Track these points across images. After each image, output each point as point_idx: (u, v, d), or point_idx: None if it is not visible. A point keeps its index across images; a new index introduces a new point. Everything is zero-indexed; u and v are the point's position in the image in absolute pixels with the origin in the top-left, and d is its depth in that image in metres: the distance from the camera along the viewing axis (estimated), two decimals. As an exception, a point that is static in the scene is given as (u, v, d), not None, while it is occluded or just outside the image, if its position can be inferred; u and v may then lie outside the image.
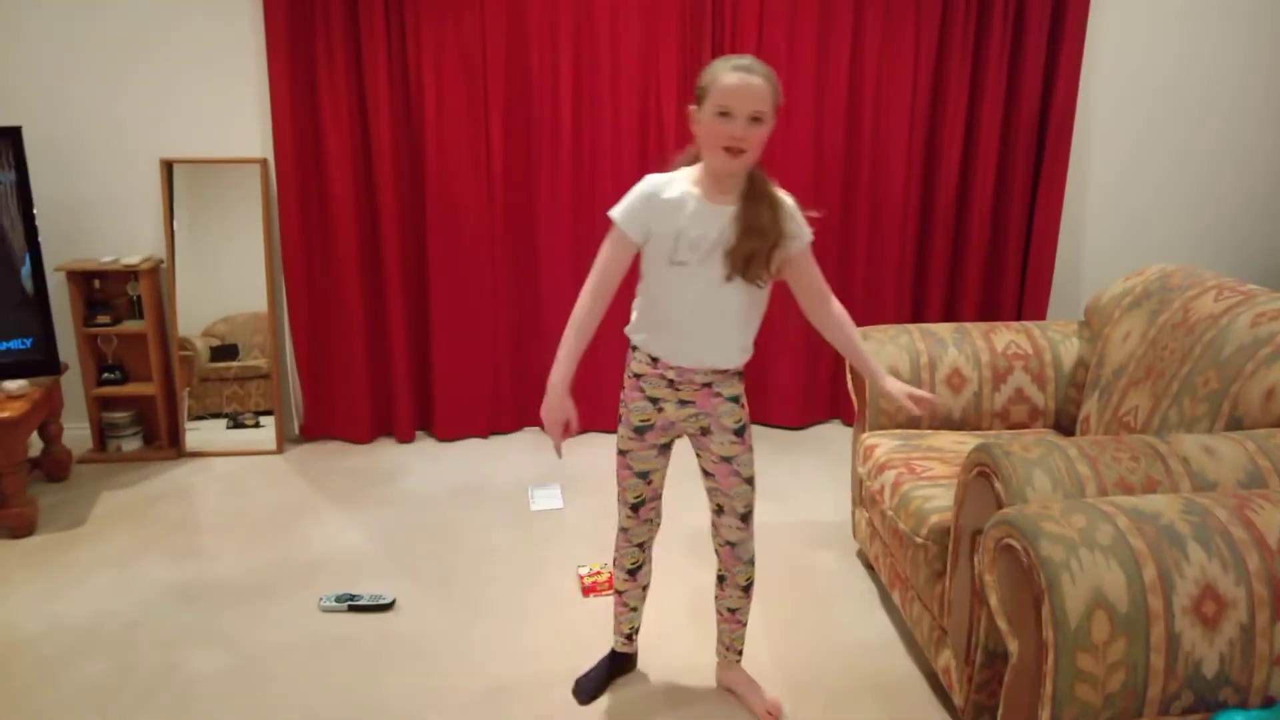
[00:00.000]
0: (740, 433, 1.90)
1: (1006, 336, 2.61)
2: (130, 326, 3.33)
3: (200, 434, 3.49)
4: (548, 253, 3.50)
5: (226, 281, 3.46)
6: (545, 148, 3.39)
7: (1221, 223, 3.76)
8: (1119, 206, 3.73)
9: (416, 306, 3.53)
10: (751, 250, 1.72)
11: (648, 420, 1.90)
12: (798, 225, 1.79)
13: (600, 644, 2.26)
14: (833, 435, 3.70)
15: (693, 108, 1.72)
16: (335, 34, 3.18)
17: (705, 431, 1.90)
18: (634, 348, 1.90)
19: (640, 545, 2.07)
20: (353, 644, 2.32)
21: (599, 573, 2.61)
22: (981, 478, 1.75)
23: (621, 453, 1.97)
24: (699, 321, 1.79)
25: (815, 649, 2.30)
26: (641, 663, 2.24)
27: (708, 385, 1.85)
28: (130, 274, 3.31)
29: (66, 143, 3.29)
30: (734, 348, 1.84)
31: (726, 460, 1.91)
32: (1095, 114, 3.60)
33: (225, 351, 3.50)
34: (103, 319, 3.31)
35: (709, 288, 1.75)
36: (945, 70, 3.43)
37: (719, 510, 1.98)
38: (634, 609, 2.15)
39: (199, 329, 3.46)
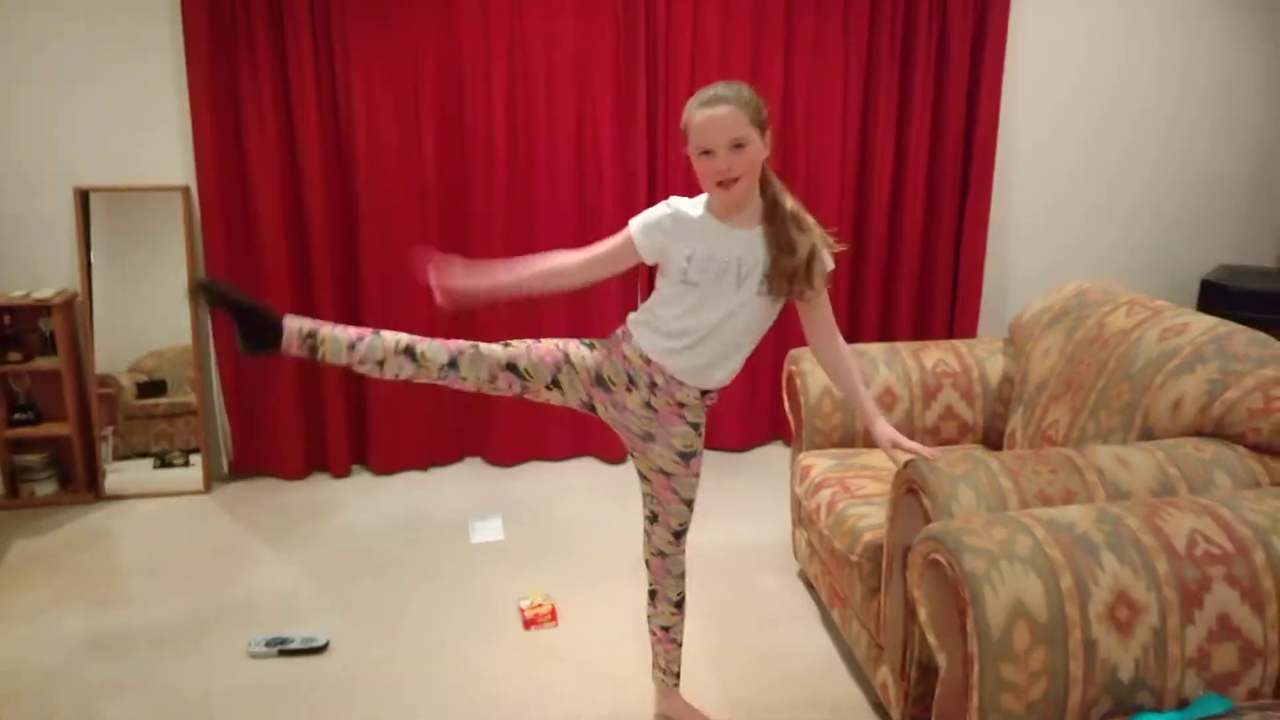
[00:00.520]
0: (687, 457, 1.91)
1: (935, 355, 2.67)
2: (43, 363, 3.20)
3: (122, 475, 3.36)
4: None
5: (151, 314, 3.35)
6: (480, 170, 3.38)
7: (1136, 239, 3.92)
8: (1043, 226, 3.86)
9: (349, 337, 3.47)
10: (793, 266, 1.74)
11: (611, 380, 1.88)
12: (828, 255, 1.80)
13: (542, 680, 2.24)
14: (773, 456, 3.73)
15: (686, 152, 1.75)
16: (259, 54, 3.12)
17: (648, 438, 1.89)
18: (629, 334, 1.87)
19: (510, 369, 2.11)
20: (284, 690, 2.24)
21: (540, 605, 2.57)
22: (910, 494, 1.78)
23: (563, 353, 1.98)
24: (701, 342, 1.79)
25: (758, 670, 2.30)
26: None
27: (681, 405, 1.85)
28: (43, 308, 3.19)
29: (-32, 170, 3.17)
30: (725, 371, 1.84)
31: (666, 474, 1.91)
32: (1018, 135, 3.73)
33: (153, 387, 3.39)
34: (13, 356, 3.18)
35: (724, 310, 1.77)
36: (873, 93, 3.52)
37: (653, 518, 1.98)
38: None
39: (125, 364, 3.35)
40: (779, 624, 2.52)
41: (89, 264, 3.26)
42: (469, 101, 3.32)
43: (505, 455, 3.63)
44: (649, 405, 1.85)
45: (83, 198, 3.23)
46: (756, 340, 1.86)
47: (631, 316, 1.90)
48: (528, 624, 2.52)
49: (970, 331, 3.74)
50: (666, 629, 2.05)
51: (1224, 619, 1.36)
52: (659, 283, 1.85)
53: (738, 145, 1.67)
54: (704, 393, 1.86)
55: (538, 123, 3.36)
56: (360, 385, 3.51)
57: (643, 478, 1.96)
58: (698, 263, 1.75)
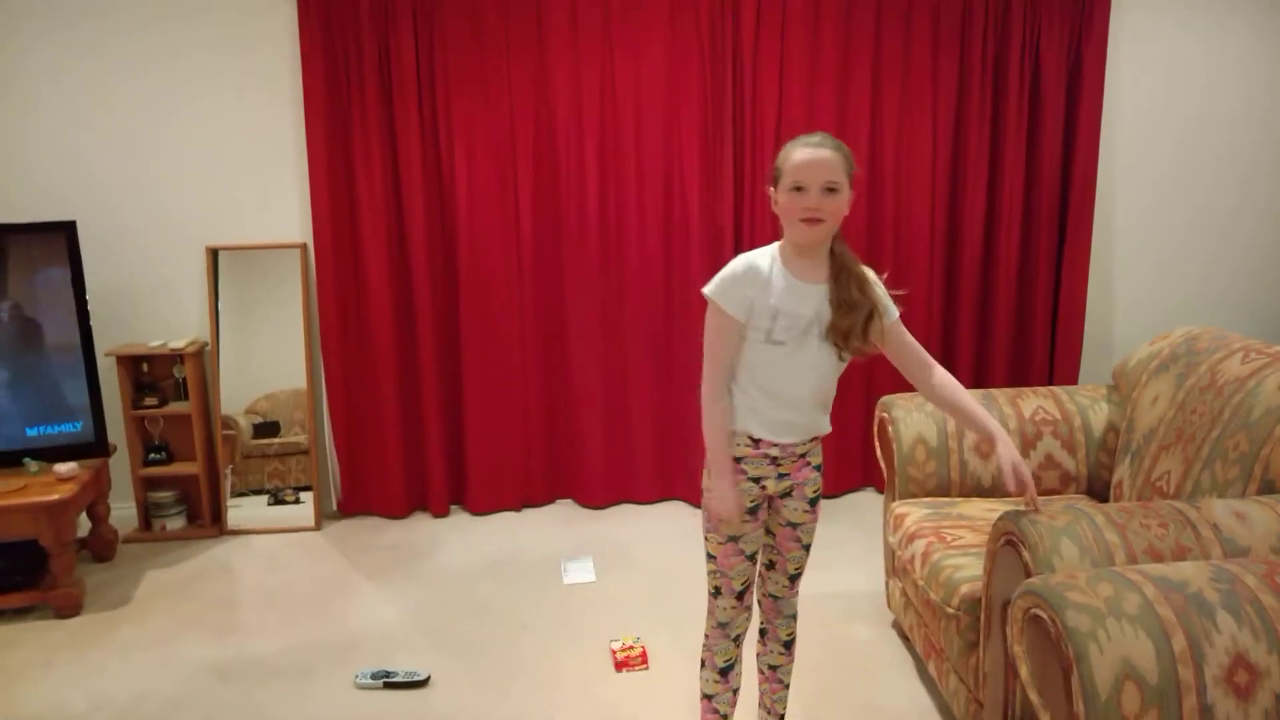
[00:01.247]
0: (814, 503, 1.95)
1: (1034, 402, 2.62)
2: (176, 408, 3.45)
3: (241, 511, 3.57)
4: (576, 327, 3.58)
5: (268, 360, 3.58)
6: (572, 225, 3.50)
7: (1248, 283, 3.75)
8: (1149, 270, 3.74)
9: (450, 382, 3.62)
10: (849, 325, 1.78)
11: (756, 500, 1.90)
12: (887, 299, 1.85)
13: (634, 718, 2.25)
14: (865, 503, 3.68)
15: (770, 189, 1.81)
16: (370, 124, 3.35)
17: (787, 494, 1.92)
18: (734, 433, 1.87)
19: (736, 639, 1.99)
20: (388, 721, 2.33)
21: (631, 647, 2.60)
22: (1009, 546, 1.75)
23: (733, 539, 1.90)
24: (802, 397, 1.83)
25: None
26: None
27: (803, 456, 1.90)
28: (176, 357, 3.44)
29: (117, 233, 3.47)
30: (823, 416, 1.90)
31: (792, 525, 1.95)
32: (1118, 177, 3.64)
33: (267, 428, 3.60)
34: (150, 401, 3.44)
35: (807, 364, 1.80)
36: (964, 137, 3.51)
37: (770, 565, 2.01)
38: (725, 716, 2.03)
39: (242, 406, 3.57)
40: (873, 675, 2.48)
41: (217, 315, 3.51)
42: (562, 167, 3.47)
43: (595, 498, 3.70)
44: (782, 476, 1.89)
45: (213, 256, 3.49)
46: (835, 384, 1.90)
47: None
48: (619, 666, 2.55)
49: (1071, 380, 3.63)
50: (774, 669, 2.07)
51: (1353, 686, 1.29)
52: (743, 354, 1.83)
53: (830, 189, 1.72)
54: (815, 438, 1.91)
55: (627, 184, 3.48)
56: (459, 429, 3.64)
57: (768, 531, 1.98)
58: (784, 320, 1.78)
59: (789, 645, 2.06)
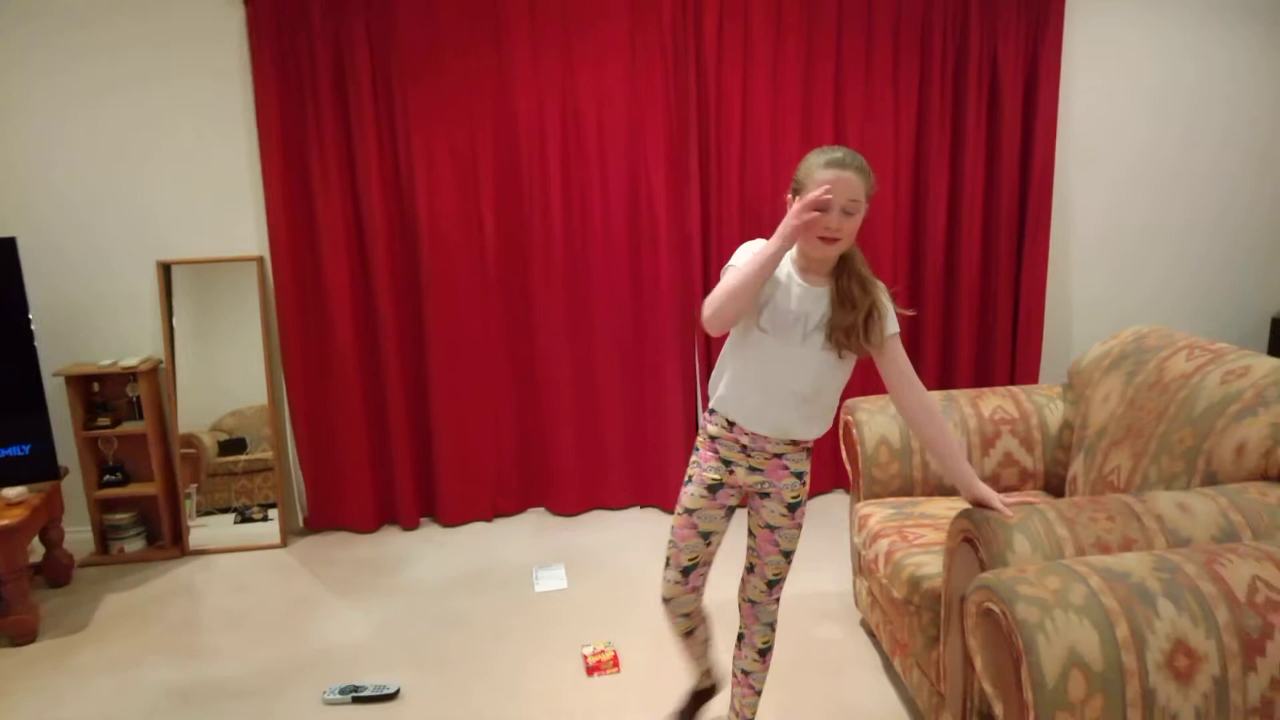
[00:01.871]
0: (793, 509, 1.98)
1: (994, 402, 2.67)
2: (130, 427, 3.39)
3: (204, 531, 3.52)
4: (544, 336, 3.59)
5: (230, 375, 3.54)
6: (537, 232, 3.51)
7: (1205, 282, 3.85)
8: (1106, 272, 3.83)
9: (416, 394, 3.61)
10: (850, 322, 1.83)
11: (718, 480, 1.98)
12: (890, 313, 1.87)
13: (603, 727, 2.27)
14: (836, 505, 3.73)
15: (789, 196, 1.85)
16: (326, 131, 3.32)
17: (764, 495, 1.98)
18: (712, 410, 1.99)
19: (686, 615, 2.09)
20: (356, 737, 2.32)
21: (603, 652, 2.62)
22: (966, 544, 1.79)
23: (689, 511, 2.00)
24: (778, 392, 1.88)
25: (822, 719, 2.30)
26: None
27: (779, 456, 1.94)
28: (129, 375, 3.39)
29: (62, 248, 3.41)
30: (805, 421, 1.91)
31: (771, 529, 1.99)
32: (1074, 181, 3.72)
33: (233, 445, 3.56)
34: (103, 421, 3.38)
35: (787, 359, 1.86)
36: (925, 143, 3.57)
37: (750, 569, 2.05)
38: (701, 655, 2.22)
39: (207, 424, 3.53)
40: (842, 673, 2.51)
41: (172, 332, 3.47)
42: (525, 168, 3.46)
43: (567, 505, 3.70)
44: (753, 469, 1.95)
45: (165, 270, 3.45)
46: (833, 394, 1.93)
47: (710, 391, 2.01)
48: (591, 671, 2.55)
49: (1032, 379, 3.70)
50: (747, 673, 2.10)
51: (1289, 668, 1.34)
52: (739, 336, 1.92)
53: (849, 210, 1.77)
54: (794, 441, 1.94)
55: (592, 189, 3.49)
56: (427, 441, 3.63)
57: (750, 533, 2.04)
58: (771, 310, 1.85)
59: (764, 654, 2.08)
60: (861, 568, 2.59)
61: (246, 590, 3.17)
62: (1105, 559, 1.49)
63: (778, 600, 2.05)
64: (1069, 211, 3.74)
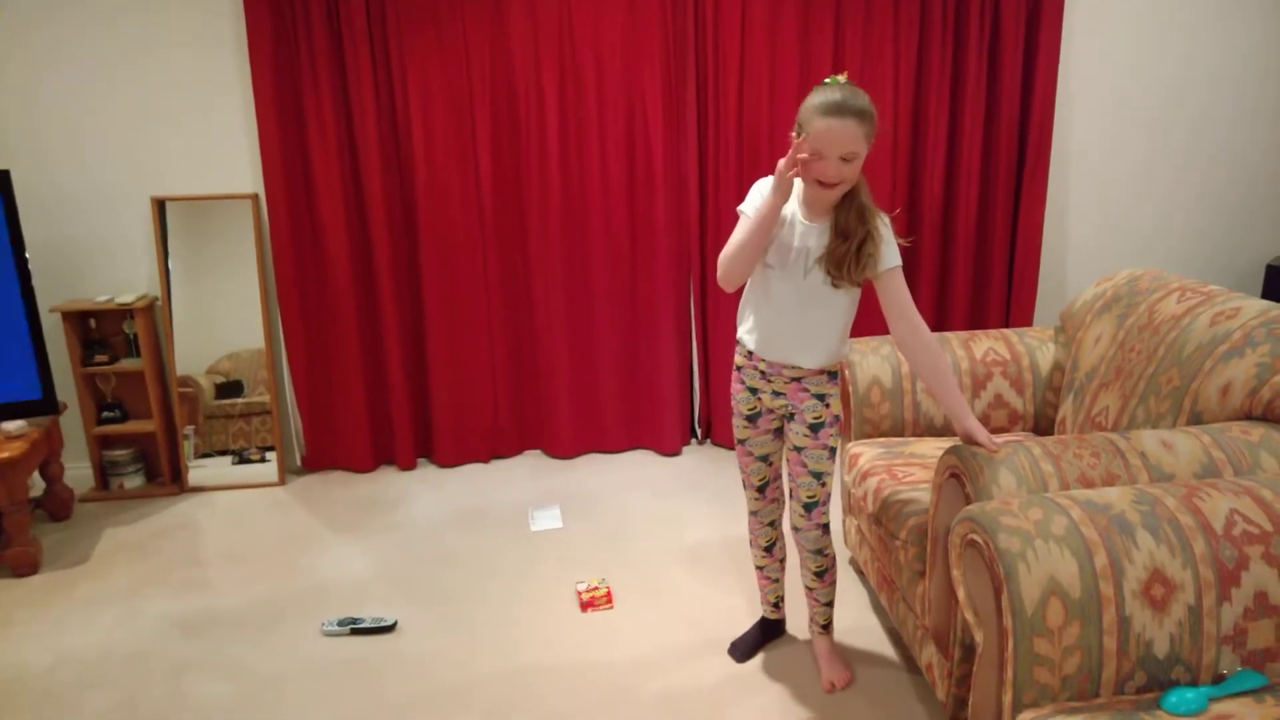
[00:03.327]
0: (816, 429, 2.05)
1: (985, 344, 2.68)
2: (128, 365, 3.41)
3: (203, 470, 3.55)
4: (540, 276, 3.58)
5: (226, 318, 3.53)
6: (534, 170, 3.47)
7: (1200, 226, 3.83)
8: (1103, 216, 3.80)
9: (413, 335, 3.61)
10: (844, 251, 1.87)
11: (755, 408, 2.12)
12: (887, 244, 1.89)
13: (598, 657, 2.34)
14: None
15: (793, 135, 1.83)
16: (320, 68, 3.27)
17: (790, 418, 2.08)
18: (738, 341, 2.11)
19: (771, 523, 2.28)
20: (357, 666, 2.37)
21: (596, 588, 2.67)
22: (953, 479, 1.82)
23: (741, 441, 2.18)
24: (782, 323, 1.99)
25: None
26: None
27: (797, 380, 2.02)
28: (126, 313, 3.39)
29: (56, 184, 3.38)
30: (813, 351, 1.99)
31: (798, 450, 2.07)
32: (1074, 124, 3.68)
33: (230, 388, 3.57)
34: (100, 358, 3.39)
35: (792, 294, 1.94)
36: (925, 87, 3.51)
37: (791, 495, 2.15)
38: (775, 580, 2.36)
39: (203, 366, 3.54)
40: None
41: (167, 270, 3.45)
42: (521, 110, 3.42)
43: (564, 448, 3.73)
44: (776, 394, 2.06)
45: (160, 207, 3.42)
46: (833, 327, 1.98)
47: (738, 322, 2.13)
48: (584, 606, 2.61)
49: (1026, 321, 3.71)
50: (810, 589, 2.25)
51: (1261, 597, 1.37)
52: (755, 272, 2.00)
53: (848, 158, 1.79)
54: (821, 370, 2.01)
55: (589, 128, 3.44)
56: (424, 382, 3.65)
57: (786, 461, 2.16)
58: (777, 246, 1.92)
59: (821, 575, 2.20)
60: (851, 506, 2.63)
61: (245, 526, 3.22)
62: (1087, 492, 1.51)
63: (821, 526, 2.13)
64: (1067, 154, 3.71)
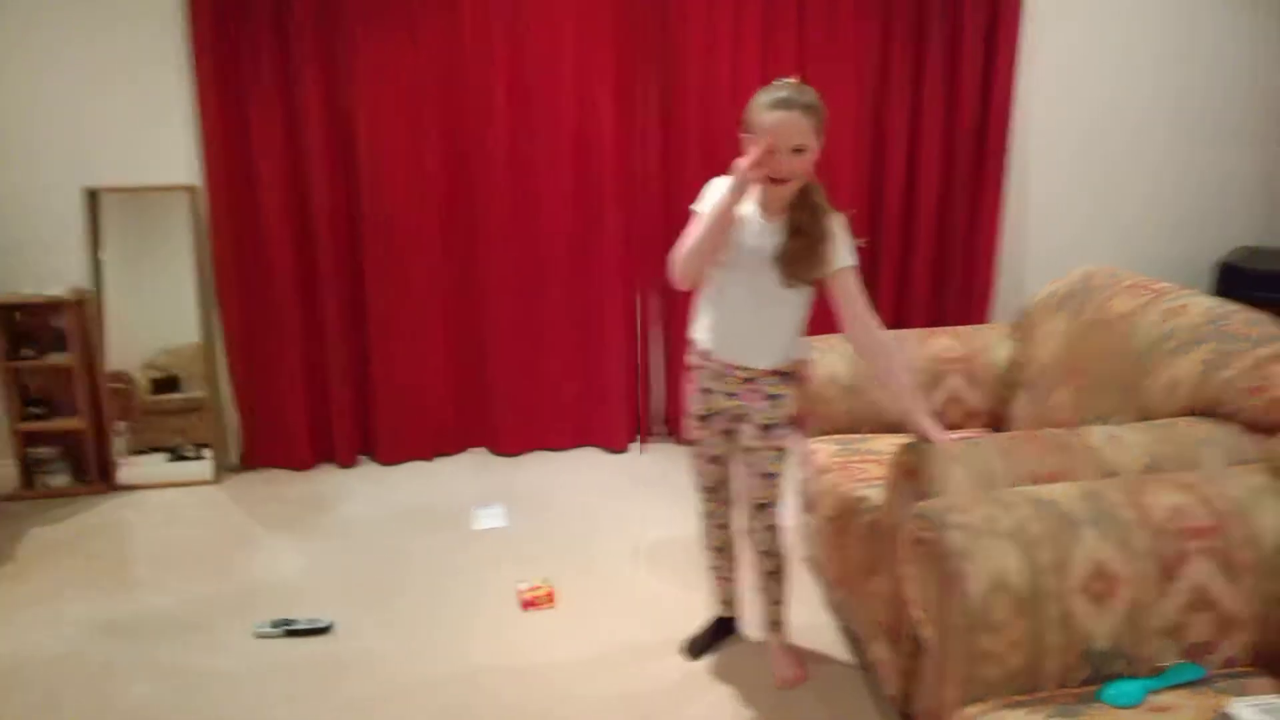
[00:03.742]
0: (767, 429, 2.01)
1: (942, 342, 2.67)
2: (55, 359, 3.26)
3: (136, 468, 3.41)
4: (489, 273, 3.49)
5: (164, 312, 3.40)
6: (483, 165, 3.39)
7: (1153, 224, 3.88)
8: (1059, 214, 3.82)
9: (355, 331, 3.50)
10: (796, 250, 1.85)
11: (708, 409, 2.08)
12: (843, 244, 1.90)
13: (539, 658, 2.29)
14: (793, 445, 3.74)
15: (743, 136, 1.85)
16: (264, 55, 3.15)
17: (742, 419, 2.04)
18: (693, 340, 2.08)
19: (723, 525, 2.26)
20: (291, 668, 2.29)
21: (538, 587, 2.60)
22: (906, 477, 1.79)
23: (694, 442, 2.17)
24: (736, 322, 1.97)
25: (766, 649, 2.31)
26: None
27: (750, 381, 1.99)
28: (54, 306, 3.24)
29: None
30: (766, 351, 1.97)
31: (748, 450, 2.04)
32: (1032, 125, 3.69)
33: (167, 384, 3.44)
34: (26, 352, 3.24)
35: (746, 293, 1.93)
36: (886, 85, 3.49)
37: (742, 496, 2.13)
38: (728, 579, 2.34)
39: (140, 361, 3.40)
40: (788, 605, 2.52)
41: (98, 263, 3.30)
42: (472, 99, 3.32)
43: (509, 446, 3.66)
44: (730, 395, 2.02)
45: (92, 198, 3.28)
46: (786, 327, 1.98)
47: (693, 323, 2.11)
48: (525, 606, 2.55)
49: (985, 319, 3.71)
50: (760, 590, 2.22)
51: (1200, 590, 1.37)
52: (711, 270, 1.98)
53: (798, 150, 1.78)
54: (774, 371, 1.98)
55: (539, 120, 3.36)
56: (366, 378, 3.55)
57: (738, 462, 2.14)
58: (732, 245, 1.89)
59: (771, 575, 2.16)
60: (807, 503, 2.60)
61: (177, 526, 3.10)
62: (1035, 489, 1.49)
63: (771, 528, 2.10)
64: (1026, 154, 3.72)
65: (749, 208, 1.92)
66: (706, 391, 2.06)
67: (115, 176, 3.30)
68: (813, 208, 1.87)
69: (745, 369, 1.98)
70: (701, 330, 2.04)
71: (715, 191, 1.91)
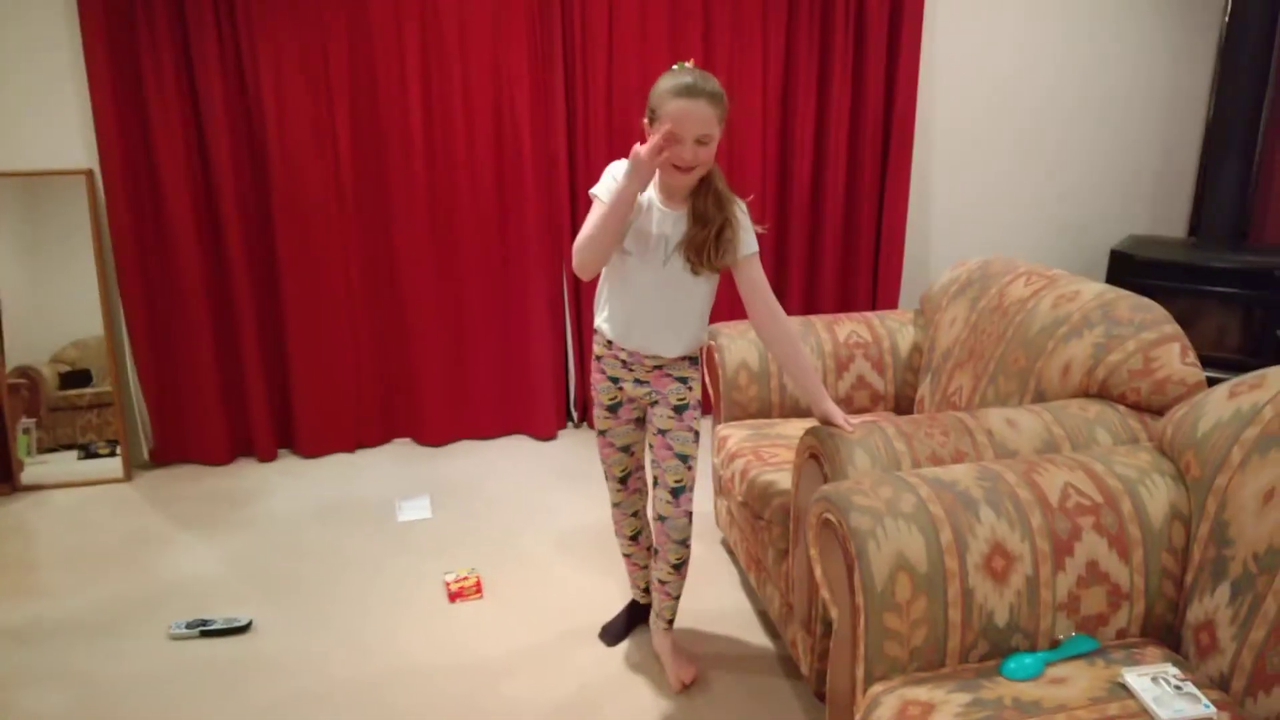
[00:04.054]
0: (680, 410, 2.01)
1: (848, 327, 2.75)
2: (-53, 356, 3.10)
3: (41, 468, 3.27)
4: (406, 259, 3.45)
5: (67, 303, 3.26)
6: (397, 150, 3.33)
7: (1051, 214, 4.06)
8: (963, 203, 3.96)
9: (270, 320, 3.42)
10: (703, 238, 1.85)
11: (616, 398, 2.08)
12: (745, 231, 1.90)
13: (468, 649, 2.29)
14: (704, 429, 3.79)
15: (645, 123, 1.82)
16: (159, 31, 3.03)
17: (654, 403, 2.05)
18: (596, 330, 2.06)
19: (635, 514, 2.26)
20: (208, 670, 2.24)
21: (465, 578, 2.60)
22: (812, 460, 1.85)
23: (602, 433, 2.14)
24: (642, 311, 1.95)
25: (681, 634, 2.36)
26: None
27: (659, 367, 1.99)
28: (-56, 299, 3.08)
29: None
30: (674, 339, 1.97)
31: (663, 433, 2.03)
32: (936, 117, 3.81)
33: (76, 378, 3.30)
34: (-86, 349, 3.07)
35: (652, 282, 1.91)
36: (793, 73, 3.56)
37: (655, 482, 2.09)
38: (643, 566, 2.34)
39: (46, 355, 3.26)
40: (700, 588, 2.58)
41: (-9, 253, 3.15)
42: (382, 83, 3.26)
43: (435, 435, 3.63)
44: (639, 382, 2.03)
45: (-20, 182, 3.12)
46: (694, 315, 1.98)
47: (595, 311, 2.08)
48: (453, 597, 2.54)
49: (893, 305, 3.83)
50: (663, 583, 2.16)
51: (1093, 565, 1.45)
52: (612, 260, 1.95)
53: (703, 141, 1.77)
54: (684, 357, 2.00)
55: (454, 106, 3.32)
56: (283, 369, 3.47)
57: (651, 446, 2.11)
58: (634, 233, 1.88)
59: (678, 568, 2.12)
60: (720, 488, 2.66)
61: (85, 527, 2.99)
62: (935, 470, 1.56)
63: (687, 514, 2.06)
64: (931, 143, 3.85)
65: (649, 193, 1.90)
66: (614, 381, 2.05)
67: (4, 161, 3.13)
68: (715, 194, 1.86)
69: (655, 357, 1.98)
70: (605, 320, 2.01)
71: (613, 175, 1.88)
